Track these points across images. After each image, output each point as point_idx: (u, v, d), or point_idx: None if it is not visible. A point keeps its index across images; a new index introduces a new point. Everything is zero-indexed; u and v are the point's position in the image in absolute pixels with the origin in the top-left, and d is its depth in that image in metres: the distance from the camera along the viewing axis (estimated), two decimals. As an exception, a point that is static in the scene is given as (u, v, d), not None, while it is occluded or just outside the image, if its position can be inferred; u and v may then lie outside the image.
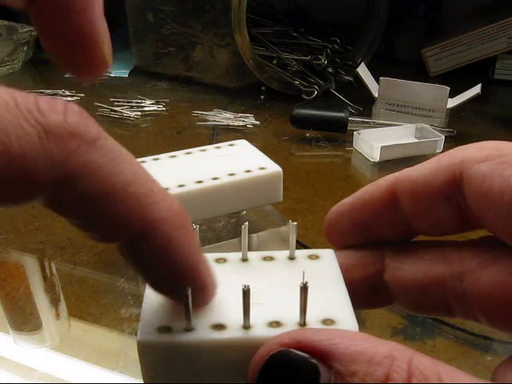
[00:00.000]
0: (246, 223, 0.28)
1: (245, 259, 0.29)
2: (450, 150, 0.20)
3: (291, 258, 0.29)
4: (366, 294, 0.23)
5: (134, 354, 0.23)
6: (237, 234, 0.38)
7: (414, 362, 0.15)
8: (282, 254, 0.29)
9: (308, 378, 0.16)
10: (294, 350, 0.17)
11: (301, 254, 0.29)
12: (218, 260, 0.29)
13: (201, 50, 0.80)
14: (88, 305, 0.36)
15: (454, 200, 0.19)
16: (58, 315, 0.36)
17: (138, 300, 0.36)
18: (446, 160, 0.19)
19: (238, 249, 0.32)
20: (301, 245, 0.41)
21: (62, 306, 0.37)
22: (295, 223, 0.28)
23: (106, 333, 0.34)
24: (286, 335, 0.17)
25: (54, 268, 0.41)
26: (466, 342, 0.33)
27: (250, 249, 0.36)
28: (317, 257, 0.29)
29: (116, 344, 0.32)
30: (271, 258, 0.29)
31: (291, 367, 0.16)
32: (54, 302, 0.37)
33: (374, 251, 0.22)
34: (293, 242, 0.29)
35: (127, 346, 0.31)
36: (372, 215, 0.22)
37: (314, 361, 0.16)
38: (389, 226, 0.22)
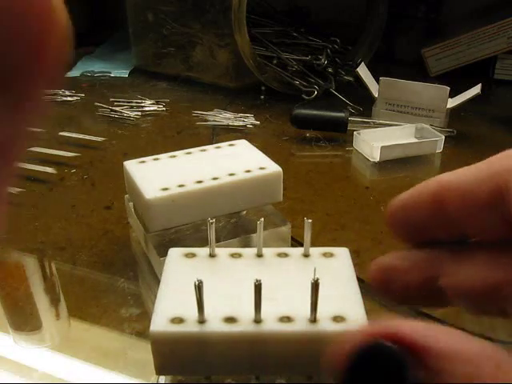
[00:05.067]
0: (262, 219, 0.28)
1: (259, 255, 0.29)
2: (498, 156, 0.20)
3: (306, 255, 0.29)
4: (422, 296, 0.22)
5: (134, 354, 0.23)
6: (237, 233, 0.38)
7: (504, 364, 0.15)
8: (296, 251, 0.29)
9: (400, 372, 0.16)
10: (386, 343, 0.16)
11: (315, 251, 0.29)
12: (233, 255, 0.29)
13: (201, 50, 0.80)
14: (88, 305, 0.36)
15: (499, 209, 0.19)
16: (58, 315, 0.36)
17: (139, 300, 0.36)
18: (492, 168, 0.19)
19: (238, 249, 0.32)
20: (300, 244, 0.41)
21: (62, 305, 0.37)
22: (310, 220, 0.28)
23: (106, 333, 0.34)
24: (380, 325, 0.17)
25: (53, 268, 0.41)
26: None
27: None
28: (331, 255, 0.29)
29: (116, 344, 0.32)
30: (286, 255, 0.29)
31: (383, 359, 0.16)
32: (54, 302, 0.37)
33: (429, 254, 0.22)
34: (307, 239, 0.29)
35: (127, 346, 0.31)
36: (422, 216, 0.22)
37: (405, 355, 0.16)
38: (439, 228, 0.22)
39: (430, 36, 0.88)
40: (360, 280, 0.31)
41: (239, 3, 0.68)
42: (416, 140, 0.60)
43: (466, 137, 0.63)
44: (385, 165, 0.56)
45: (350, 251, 0.30)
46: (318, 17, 0.92)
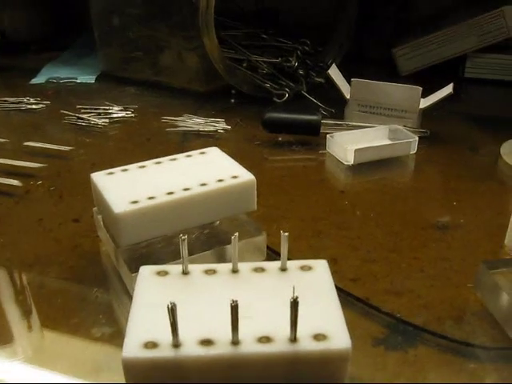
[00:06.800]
0: (236, 234, 0.28)
1: (235, 270, 0.28)
2: None
3: (283, 269, 0.28)
4: None
5: (108, 375, 0.22)
6: (211, 245, 0.37)
7: None
8: (273, 265, 0.28)
9: None
10: None
11: (293, 264, 0.28)
12: (207, 271, 0.28)
13: (169, 53, 0.79)
14: (58, 324, 0.35)
15: None
16: (27, 335, 0.35)
17: (111, 318, 0.35)
18: None
19: (213, 262, 0.31)
20: (276, 254, 0.40)
21: (34, 323, 0.35)
22: (286, 234, 0.27)
23: (77, 356, 0.32)
24: None
25: (22, 285, 0.39)
26: (448, 350, 0.33)
27: (224, 260, 0.35)
28: (309, 268, 0.28)
29: (88, 366, 0.31)
30: (262, 270, 0.28)
31: None
32: (23, 322, 0.36)
33: None
34: (284, 253, 0.28)
35: (99, 367, 0.30)
36: None
37: None
38: None
39: (400, 36, 0.88)
40: (339, 289, 0.30)
41: (207, 5, 0.67)
42: (390, 141, 0.60)
43: (440, 137, 0.63)
44: (359, 168, 0.56)
45: (327, 258, 0.30)
46: (287, 18, 0.91)
